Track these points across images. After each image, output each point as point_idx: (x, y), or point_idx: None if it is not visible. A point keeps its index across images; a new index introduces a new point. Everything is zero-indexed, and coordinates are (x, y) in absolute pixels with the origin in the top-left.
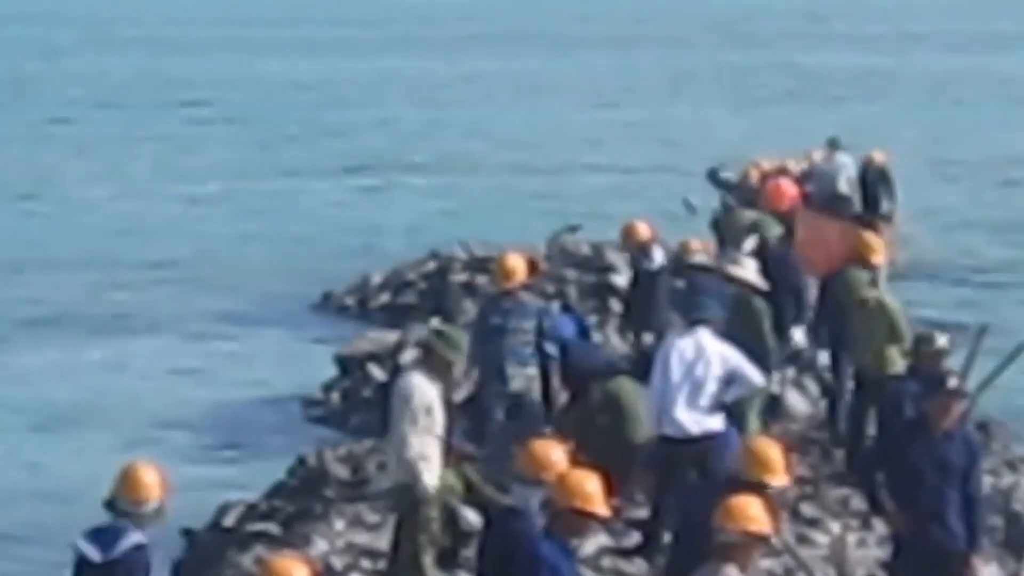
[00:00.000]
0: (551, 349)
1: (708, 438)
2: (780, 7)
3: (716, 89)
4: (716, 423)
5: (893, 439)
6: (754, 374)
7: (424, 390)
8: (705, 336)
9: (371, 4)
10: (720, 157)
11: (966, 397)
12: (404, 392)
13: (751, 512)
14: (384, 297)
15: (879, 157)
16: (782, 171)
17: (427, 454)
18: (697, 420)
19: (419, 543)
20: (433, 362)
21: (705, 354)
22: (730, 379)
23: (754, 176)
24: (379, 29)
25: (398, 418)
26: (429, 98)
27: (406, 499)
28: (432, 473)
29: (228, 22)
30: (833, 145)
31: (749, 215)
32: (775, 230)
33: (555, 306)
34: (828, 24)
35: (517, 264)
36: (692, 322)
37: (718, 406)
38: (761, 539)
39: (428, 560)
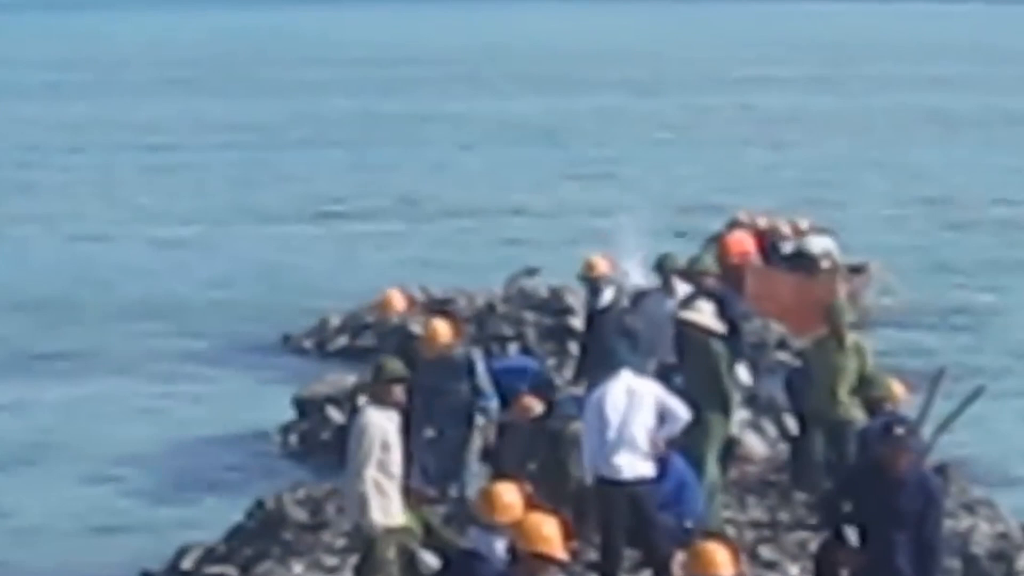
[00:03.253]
0: (484, 403)
1: (640, 483)
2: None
3: (679, 131)
4: (648, 468)
5: (848, 483)
6: (683, 411)
7: (381, 425)
8: (632, 378)
9: (334, 45)
10: (683, 202)
11: (914, 443)
12: (359, 427)
13: (718, 558)
14: (342, 340)
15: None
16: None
17: (384, 490)
18: (631, 464)
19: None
20: (379, 392)
21: (636, 396)
22: (661, 417)
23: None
24: (340, 70)
25: (352, 453)
26: (391, 139)
27: (361, 538)
28: (386, 511)
29: (193, 63)
30: (823, 231)
31: (676, 257)
32: (710, 269)
33: (512, 348)
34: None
35: (440, 327)
36: (611, 368)
37: (653, 448)
38: None
39: None
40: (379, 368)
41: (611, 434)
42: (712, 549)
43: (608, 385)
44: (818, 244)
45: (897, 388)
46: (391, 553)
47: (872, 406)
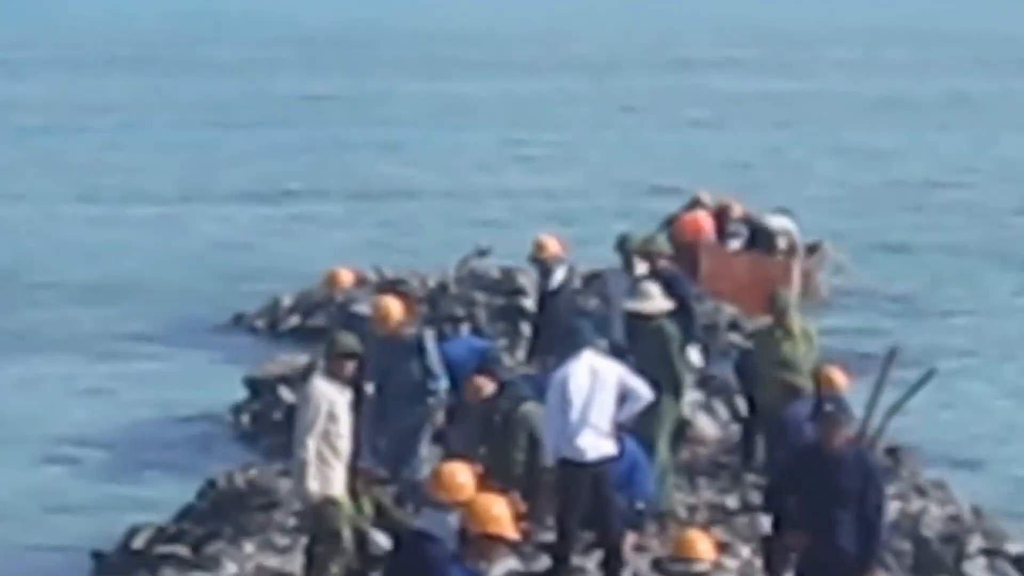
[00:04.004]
0: (435, 385)
1: (603, 462)
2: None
3: (636, 113)
4: (611, 448)
5: (788, 466)
6: (644, 390)
7: (327, 394)
8: (595, 358)
9: (285, 24)
10: (635, 182)
11: (847, 421)
12: (305, 396)
13: (700, 546)
14: (294, 319)
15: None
16: (698, 204)
17: (326, 460)
18: (595, 444)
19: (322, 555)
20: (331, 366)
21: (599, 376)
22: (623, 397)
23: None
24: (288, 49)
25: (298, 423)
26: (343, 120)
27: (311, 515)
28: (326, 481)
29: (145, 42)
30: (783, 212)
31: (637, 237)
32: (664, 250)
33: (464, 329)
34: (741, 49)
35: (392, 306)
36: (572, 348)
37: (614, 428)
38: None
39: (335, 571)
40: (332, 342)
41: (574, 415)
42: (695, 537)
43: (571, 365)
44: (777, 223)
45: (838, 377)
46: (344, 526)
47: (790, 392)
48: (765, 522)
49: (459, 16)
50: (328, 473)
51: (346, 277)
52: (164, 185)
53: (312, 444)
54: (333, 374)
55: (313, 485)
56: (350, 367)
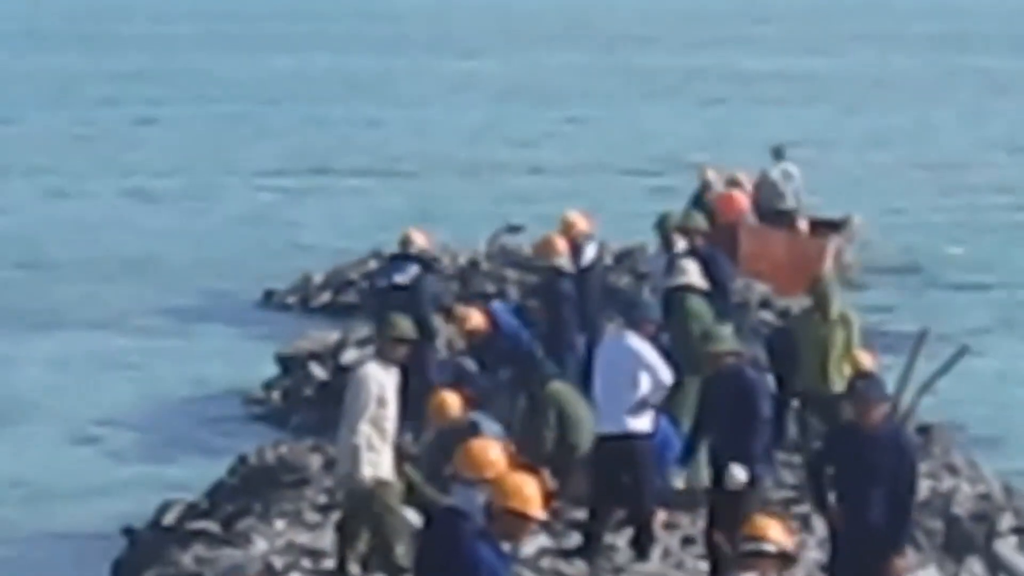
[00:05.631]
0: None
1: (629, 437)
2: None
3: (662, 90)
4: (639, 424)
5: (827, 441)
6: (664, 374)
7: (379, 379)
8: (628, 337)
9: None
10: (663, 159)
11: (880, 399)
12: (358, 380)
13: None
14: (325, 296)
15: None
16: (733, 182)
17: (374, 445)
18: (617, 421)
19: (385, 535)
20: (384, 349)
21: (624, 355)
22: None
23: (711, 177)
24: (320, 25)
25: (348, 406)
26: (373, 97)
27: (357, 493)
28: (376, 466)
29: (169, 18)
30: (778, 154)
31: (677, 216)
32: (701, 226)
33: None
34: (766, 26)
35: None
36: (629, 322)
37: (645, 407)
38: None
39: (400, 550)
40: (388, 324)
41: (609, 391)
42: (770, 522)
43: (609, 342)
44: (776, 173)
45: (866, 359)
46: (392, 500)
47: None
48: (798, 502)
49: None
50: (376, 457)
51: (420, 238)
52: (195, 160)
53: (364, 430)
54: (385, 356)
55: (368, 471)
56: (402, 351)
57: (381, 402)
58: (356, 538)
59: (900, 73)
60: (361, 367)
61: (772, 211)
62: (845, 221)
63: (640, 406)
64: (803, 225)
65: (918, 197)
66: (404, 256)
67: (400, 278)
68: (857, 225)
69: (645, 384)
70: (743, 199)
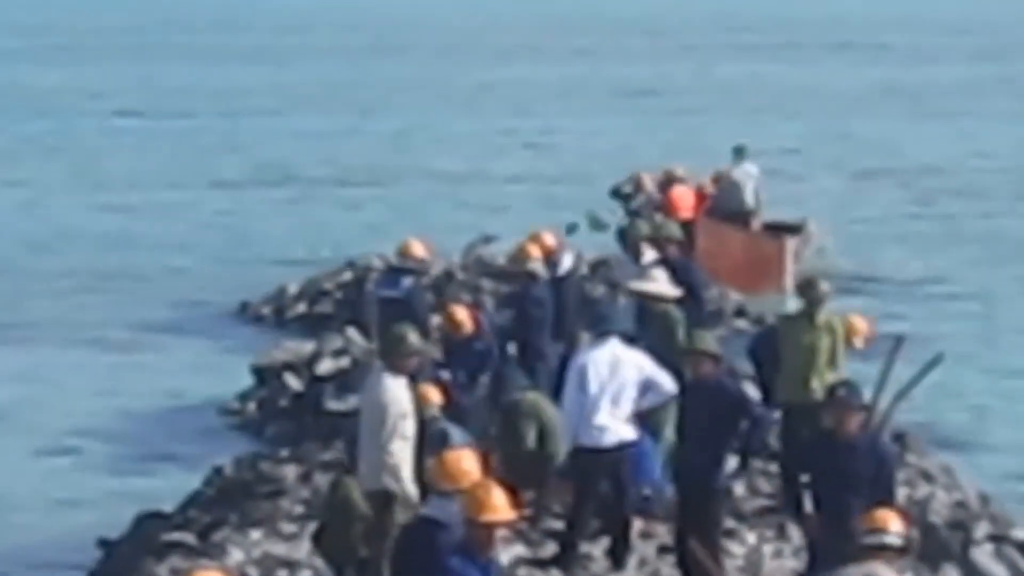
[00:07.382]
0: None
1: (622, 447)
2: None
3: (633, 100)
4: (630, 433)
5: (805, 449)
6: (668, 382)
7: (399, 397)
8: (618, 346)
9: (288, 11)
10: (631, 169)
11: (859, 407)
12: (383, 402)
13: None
14: (300, 307)
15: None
16: (671, 179)
17: (405, 458)
18: (614, 431)
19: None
20: (396, 363)
21: (621, 364)
22: (645, 387)
23: (648, 184)
24: (296, 37)
25: (376, 424)
26: (348, 107)
27: (379, 505)
28: (409, 480)
29: (144, 30)
30: (739, 153)
31: (646, 225)
32: (674, 235)
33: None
34: (741, 35)
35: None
36: (600, 334)
37: (632, 416)
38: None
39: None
40: (400, 341)
41: (594, 402)
42: (890, 516)
43: (592, 352)
44: (739, 173)
45: (861, 324)
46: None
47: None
48: (773, 510)
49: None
50: (408, 471)
51: (419, 248)
52: (169, 171)
53: (397, 448)
54: (397, 370)
55: (412, 488)
56: (414, 363)
57: (403, 416)
58: (355, 551)
59: (878, 83)
60: (380, 385)
61: (732, 210)
62: (801, 225)
63: (632, 416)
64: (756, 226)
65: (884, 205)
66: (400, 269)
67: (393, 292)
68: (812, 230)
69: (637, 396)
70: (686, 193)
